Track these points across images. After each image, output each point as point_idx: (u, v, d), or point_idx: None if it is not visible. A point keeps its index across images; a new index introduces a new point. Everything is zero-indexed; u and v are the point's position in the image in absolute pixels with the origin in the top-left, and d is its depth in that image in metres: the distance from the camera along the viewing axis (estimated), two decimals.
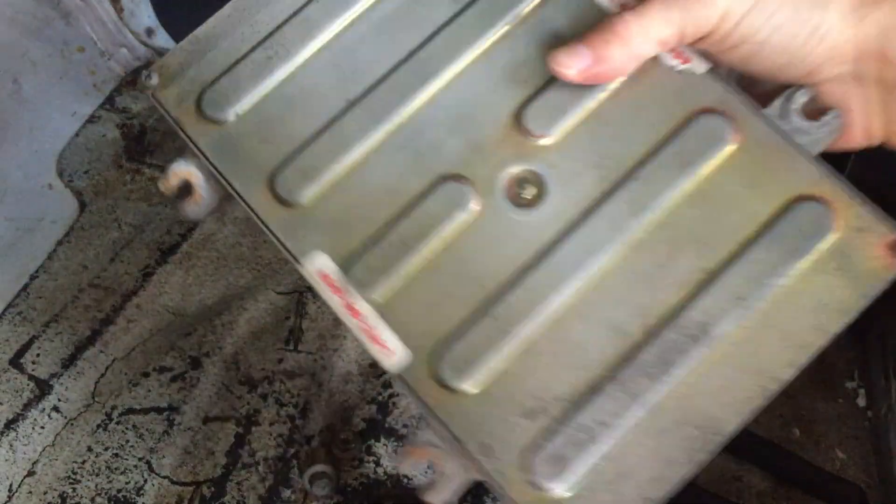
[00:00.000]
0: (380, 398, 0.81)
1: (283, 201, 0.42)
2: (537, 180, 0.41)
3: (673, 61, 0.41)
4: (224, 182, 0.43)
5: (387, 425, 0.79)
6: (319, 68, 0.45)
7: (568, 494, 0.36)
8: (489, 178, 0.41)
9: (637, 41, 0.40)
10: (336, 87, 0.45)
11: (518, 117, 0.42)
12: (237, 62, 0.46)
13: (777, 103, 0.41)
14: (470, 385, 0.38)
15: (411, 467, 0.38)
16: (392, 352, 0.39)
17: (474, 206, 0.41)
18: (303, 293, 0.91)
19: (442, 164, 0.42)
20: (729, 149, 0.40)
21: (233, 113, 0.45)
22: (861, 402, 0.83)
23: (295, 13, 0.46)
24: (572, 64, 0.40)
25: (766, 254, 0.38)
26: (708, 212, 0.39)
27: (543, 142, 0.41)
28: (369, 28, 0.46)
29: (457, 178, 0.41)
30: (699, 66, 0.41)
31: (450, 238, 0.41)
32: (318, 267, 0.41)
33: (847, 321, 0.37)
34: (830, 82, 0.42)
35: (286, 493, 0.75)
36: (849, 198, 0.38)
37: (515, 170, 0.41)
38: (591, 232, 0.39)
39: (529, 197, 0.41)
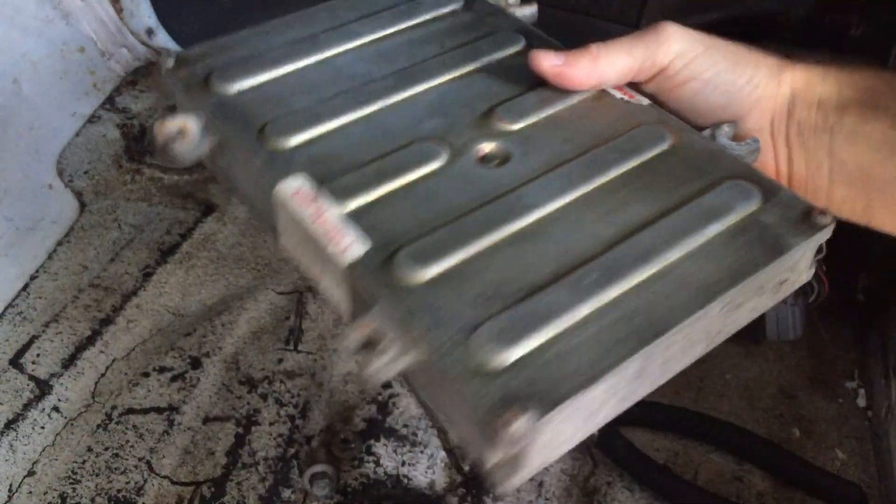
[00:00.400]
0: (380, 398, 0.81)
1: (270, 144, 0.47)
2: (503, 153, 0.48)
3: (621, 96, 0.51)
4: (219, 128, 0.49)
5: (387, 425, 0.79)
6: (321, 71, 0.53)
7: (501, 367, 0.37)
8: (461, 146, 0.48)
9: (602, 62, 0.49)
10: (331, 83, 0.52)
11: (490, 111, 0.50)
12: (247, 59, 0.53)
13: (707, 131, 0.50)
14: (424, 274, 0.41)
15: (353, 342, 0.39)
16: (351, 245, 0.42)
17: (446, 159, 0.47)
18: (303, 293, 0.91)
19: (419, 135, 0.48)
20: (669, 144, 0.48)
21: (235, 89, 0.51)
22: (861, 402, 0.83)
23: (308, 36, 0.55)
24: (547, 59, 0.49)
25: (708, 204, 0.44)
26: (651, 181, 0.46)
27: (511, 127, 0.49)
28: (369, 53, 0.55)
29: (433, 140, 0.48)
30: (642, 101, 0.51)
31: (421, 176, 0.46)
32: (295, 187, 0.45)
33: (771, 266, 0.42)
34: (757, 132, 0.50)
35: (286, 493, 0.75)
36: (772, 183, 0.46)
37: (485, 145, 0.48)
38: (548, 183, 0.46)
39: (495, 163, 0.48)
